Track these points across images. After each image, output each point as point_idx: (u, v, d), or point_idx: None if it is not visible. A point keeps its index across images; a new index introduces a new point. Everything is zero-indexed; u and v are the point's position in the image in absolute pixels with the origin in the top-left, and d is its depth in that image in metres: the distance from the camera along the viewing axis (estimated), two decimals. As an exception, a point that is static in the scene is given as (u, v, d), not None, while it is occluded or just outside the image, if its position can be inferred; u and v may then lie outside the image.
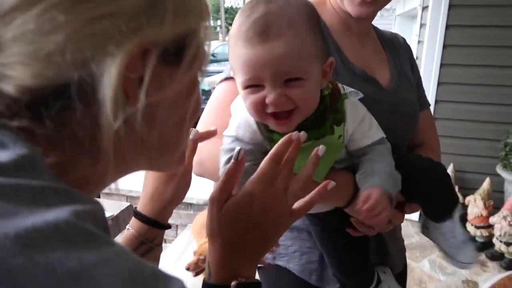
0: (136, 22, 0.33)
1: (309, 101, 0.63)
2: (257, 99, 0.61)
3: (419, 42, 3.19)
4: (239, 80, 0.63)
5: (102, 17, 0.31)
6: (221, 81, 0.84)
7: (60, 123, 0.33)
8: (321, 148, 0.51)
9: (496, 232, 2.59)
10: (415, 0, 3.39)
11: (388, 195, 0.65)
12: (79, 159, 0.35)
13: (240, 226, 0.49)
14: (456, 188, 2.89)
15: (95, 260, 0.25)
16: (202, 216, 2.72)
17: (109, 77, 0.31)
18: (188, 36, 0.37)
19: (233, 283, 0.47)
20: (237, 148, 0.50)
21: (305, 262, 0.89)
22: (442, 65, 2.83)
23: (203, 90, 5.95)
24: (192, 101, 0.42)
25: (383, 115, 0.81)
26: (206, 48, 0.39)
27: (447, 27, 2.76)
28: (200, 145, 0.68)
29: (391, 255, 0.94)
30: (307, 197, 0.54)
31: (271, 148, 0.62)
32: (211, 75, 4.08)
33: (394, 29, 5.30)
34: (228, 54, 0.66)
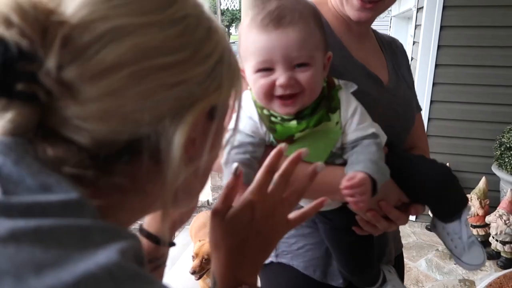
0: (204, 86, 0.37)
1: (314, 86, 0.68)
2: (268, 81, 0.67)
3: (414, 43, 3.20)
4: (251, 64, 0.68)
5: (180, 83, 0.35)
6: None
7: (122, 174, 0.35)
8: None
9: (493, 231, 2.60)
10: (410, 1, 3.41)
11: (372, 180, 0.66)
12: (126, 205, 0.37)
13: (241, 234, 0.52)
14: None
15: None
16: (200, 218, 2.72)
17: (179, 136, 0.35)
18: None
19: None
20: (235, 164, 0.53)
21: (310, 258, 0.91)
22: (437, 66, 2.85)
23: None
24: (218, 147, 0.45)
25: (382, 112, 0.83)
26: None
27: (442, 28, 2.78)
28: None
29: (388, 249, 0.96)
30: (303, 209, 0.58)
31: (272, 139, 0.71)
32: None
33: (390, 30, 5.32)
34: (239, 44, 0.71)
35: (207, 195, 3.87)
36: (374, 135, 0.70)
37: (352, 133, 0.71)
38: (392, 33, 5.05)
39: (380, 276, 0.90)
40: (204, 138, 0.39)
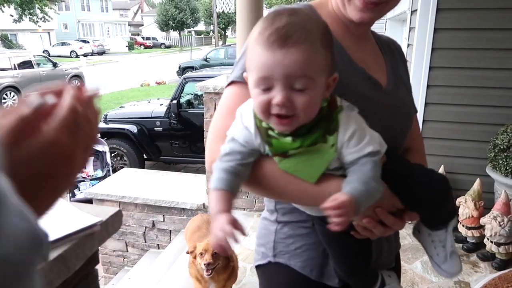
0: None
1: (309, 110, 0.68)
2: (265, 98, 0.67)
3: (408, 45, 3.22)
4: (253, 77, 0.69)
5: None
6: (229, 84, 0.87)
7: None
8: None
9: (487, 232, 2.61)
10: (404, 4, 3.43)
11: (355, 203, 0.66)
12: None
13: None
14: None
15: None
16: (195, 221, 2.71)
17: None
18: None
19: None
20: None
21: (307, 258, 0.92)
22: (431, 68, 2.87)
23: (196, 95, 5.95)
24: None
25: (380, 114, 0.84)
26: None
27: (435, 30, 2.80)
28: (211, 145, 0.81)
29: (384, 251, 0.96)
30: None
31: (268, 151, 0.72)
32: (204, 80, 4.09)
33: (386, 33, 5.35)
34: (246, 54, 0.71)
35: (202, 198, 3.86)
36: (371, 154, 0.70)
37: (349, 155, 0.71)
38: (387, 35, 5.07)
39: (377, 279, 0.91)
40: None
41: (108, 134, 6.03)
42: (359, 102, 0.78)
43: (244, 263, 2.80)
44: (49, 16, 25.95)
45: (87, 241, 0.86)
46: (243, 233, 0.66)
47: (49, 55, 17.01)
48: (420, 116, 2.89)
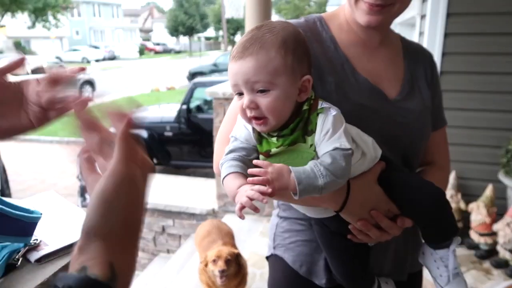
0: None
1: (275, 111, 0.73)
2: (240, 103, 0.75)
3: (418, 50, 3.20)
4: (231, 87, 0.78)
5: None
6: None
7: None
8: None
9: (500, 239, 2.58)
10: (413, 9, 3.42)
11: (290, 174, 0.68)
12: None
13: None
14: (459, 196, 2.89)
15: None
16: (205, 226, 2.72)
17: None
18: None
19: None
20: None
21: (298, 253, 0.97)
22: (441, 73, 2.84)
23: (205, 100, 5.99)
24: None
25: (380, 123, 0.86)
26: None
27: (446, 35, 2.78)
28: (218, 149, 0.89)
29: (389, 260, 0.96)
30: None
31: (259, 148, 0.77)
32: (213, 85, 4.11)
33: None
34: None
35: (212, 203, 3.87)
36: (337, 149, 0.71)
37: (320, 152, 0.74)
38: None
39: (373, 285, 0.91)
40: None
41: (119, 139, 6.07)
42: (356, 111, 0.82)
43: (253, 269, 2.79)
44: (61, 23, 26.39)
45: (99, 247, 0.87)
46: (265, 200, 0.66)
47: (61, 61, 17.24)
48: (430, 121, 2.86)
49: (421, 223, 0.85)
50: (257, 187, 0.65)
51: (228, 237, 2.52)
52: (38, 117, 0.65)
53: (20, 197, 1.08)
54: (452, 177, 2.88)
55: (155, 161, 6.25)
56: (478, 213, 2.73)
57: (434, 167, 0.99)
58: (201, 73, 13.95)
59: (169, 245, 4.04)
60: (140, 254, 4.15)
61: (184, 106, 5.87)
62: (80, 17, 40.31)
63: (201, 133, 5.80)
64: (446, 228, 0.86)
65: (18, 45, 29.09)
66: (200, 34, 42.56)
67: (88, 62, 27.91)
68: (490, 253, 2.74)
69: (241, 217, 0.67)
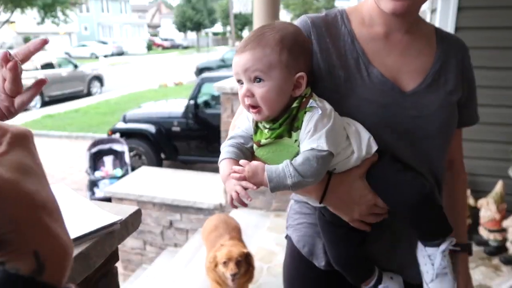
0: None
1: (268, 101, 0.80)
2: (240, 92, 0.83)
3: (428, 44, 3.17)
4: None
5: None
6: None
7: None
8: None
9: (510, 236, 2.56)
10: (424, 3, 3.38)
11: (263, 172, 0.77)
12: None
13: None
14: (468, 192, 2.86)
15: None
16: (212, 221, 2.73)
17: None
18: None
19: None
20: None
21: (303, 234, 1.04)
22: (452, 68, 2.81)
23: (213, 95, 5.99)
24: None
25: (390, 119, 0.86)
26: None
27: (456, 29, 2.75)
28: (227, 136, 0.94)
29: (404, 263, 0.96)
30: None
31: (254, 137, 0.85)
32: (221, 80, 4.11)
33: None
34: None
35: (219, 198, 3.88)
36: (312, 149, 0.77)
37: (301, 148, 0.80)
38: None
39: (372, 276, 0.92)
40: None
41: (127, 134, 6.12)
42: (362, 105, 0.86)
43: (260, 263, 2.80)
44: (70, 18, 26.52)
45: (108, 239, 0.88)
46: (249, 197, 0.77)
47: (70, 57, 17.36)
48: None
49: (406, 219, 0.87)
50: (242, 183, 0.76)
51: (235, 232, 2.53)
52: (5, 105, 0.66)
53: (31, 190, 1.09)
54: (461, 173, 2.85)
55: (162, 156, 6.29)
56: (487, 209, 2.71)
57: (453, 165, 1.05)
58: (208, 69, 13.95)
59: (177, 239, 4.06)
60: (148, 248, 4.19)
61: (192, 102, 5.88)
62: (88, 13, 40.48)
63: (208, 128, 5.81)
64: (433, 228, 0.87)
65: (28, 41, 29.32)
66: (207, 30, 42.52)
67: (97, 57, 28.07)
68: (499, 250, 2.72)
69: (234, 207, 0.80)
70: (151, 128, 6.08)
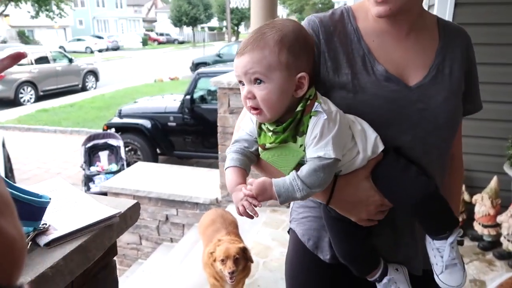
0: None
1: (269, 103, 0.79)
2: (241, 93, 0.82)
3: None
4: None
5: None
6: None
7: None
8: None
9: (504, 231, 2.58)
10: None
11: (272, 187, 0.77)
12: None
13: None
14: (463, 187, 2.88)
15: None
16: (209, 215, 2.73)
17: None
18: None
19: None
20: None
21: (307, 228, 1.04)
22: (448, 64, 2.82)
23: (209, 90, 5.97)
24: None
25: (398, 114, 0.87)
26: None
27: (453, 25, 2.75)
28: (234, 135, 0.94)
29: (409, 255, 0.96)
30: None
31: (258, 140, 0.85)
32: (217, 75, 4.10)
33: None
34: None
35: (215, 193, 3.88)
36: (319, 158, 0.77)
37: (307, 154, 0.79)
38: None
39: (378, 268, 0.93)
40: None
41: (123, 129, 6.09)
42: (370, 101, 0.86)
43: (257, 258, 2.81)
44: (65, 12, 26.30)
45: (106, 232, 0.88)
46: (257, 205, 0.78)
47: (65, 51, 17.23)
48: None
49: (413, 216, 0.88)
50: (250, 199, 0.77)
51: (232, 226, 2.54)
52: None
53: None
54: (456, 168, 2.87)
55: (158, 151, 6.27)
56: (482, 204, 2.73)
57: (453, 158, 1.03)
58: (204, 64, 13.89)
59: (173, 234, 4.06)
60: (144, 242, 4.19)
61: (188, 97, 5.86)
62: (83, 7, 40.16)
63: (204, 123, 5.80)
64: (440, 223, 0.88)
65: (22, 35, 29.03)
66: (204, 25, 42.27)
67: (92, 52, 27.86)
68: (493, 245, 2.74)
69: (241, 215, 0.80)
70: (147, 123, 6.06)
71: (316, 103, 0.79)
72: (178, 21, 36.98)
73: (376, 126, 0.85)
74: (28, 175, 6.50)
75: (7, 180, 0.68)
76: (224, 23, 40.96)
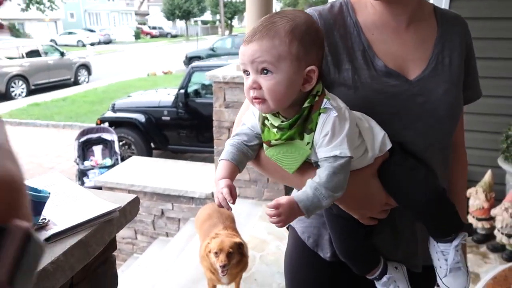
0: None
1: (276, 94, 0.75)
2: (246, 83, 0.79)
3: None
4: None
5: None
6: None
7: None
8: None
9: (498, 224, 2.60)
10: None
11: (301, 207, 0.75)
12: None
13: None
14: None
15: None
16: (205, 210, 2.72)
17: None
18: None
19: None
20: None
21: (307, 225, 1.02)
22: (443, 58, 2.83)
23: (203, 84, 5.94)
24: None
25: (400, 108, 0.86)
26: None
27: (449, 19, 2.76)
28: (235, 130, 0.94)
29: (409, 254, 0.96)
30: None
31: (262, 136, 0.83)
32: (211, 69, 4.08)
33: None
34: None
35: (211, 187, 3.88)
36: (336, 157, 0.75)
37: (319, 153, 0.77)
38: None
39: (378, 267, 0.93)
40: None
41: (116, 123, 6.05)
42: (371, 96, 0.85)
43: (253, 252, 2.82)
44: (56, 5, 25.94)
45: (107, 227, 0.87)
46: (233, 201, 0.76)
47: (56, 44, 17.01)
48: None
49: (418, 218, 0.87)
50: (278, 224, 0.75)
51: (229, 221, 2.53)
52: None
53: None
54: (451, 162, 2.89)
55: (152, 145, 6.24)
56: (476, 198, 2.76)
57: (455, 147, 1.02)
58: (198, 58, 13.82)
59: (168, 229, 4.06)
60: (139, 237, 4.18)
61: (182, 91, 5.83)
62: (75, 0, 39.64)
63: (199, 117, 5.78)
64: (445, 225, 0.87)
65: (12, 28, 28.61)
66: (197, 18, 41.95)
67: (84, 45, 27.55)
68: (487, 238, 2.77)
69: (220, 207, 0.78)
70: (141, 117, 6.02)
71: (325, 100, 0.77)
72: (171, 15, 36.65)
73: (378, 122, 0.84)
74: (20, 170, 6.43)
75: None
76: (218, 16, 40.68)
